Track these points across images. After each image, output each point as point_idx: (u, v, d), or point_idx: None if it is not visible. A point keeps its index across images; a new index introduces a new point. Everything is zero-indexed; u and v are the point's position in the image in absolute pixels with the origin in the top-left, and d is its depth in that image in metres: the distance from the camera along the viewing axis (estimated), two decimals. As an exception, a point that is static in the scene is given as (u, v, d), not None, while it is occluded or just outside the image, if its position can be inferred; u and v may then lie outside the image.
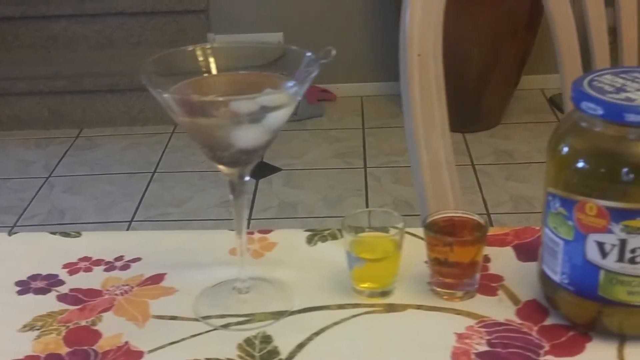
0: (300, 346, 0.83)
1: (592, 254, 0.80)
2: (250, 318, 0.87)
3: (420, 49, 1.04)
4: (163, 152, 3.43)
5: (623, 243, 0.78)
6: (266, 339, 0.83)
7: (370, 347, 0.83)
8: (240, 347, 0.82)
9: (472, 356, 0.81)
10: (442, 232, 0.89)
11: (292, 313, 0.88)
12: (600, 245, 0.79)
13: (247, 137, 0.79)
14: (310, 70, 0.80)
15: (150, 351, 0.81)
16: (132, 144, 3.53)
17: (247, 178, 0.84)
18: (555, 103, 3.69)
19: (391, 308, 0.88)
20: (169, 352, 0.81)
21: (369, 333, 0.85)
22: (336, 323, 0.86)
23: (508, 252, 0.98)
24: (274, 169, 3.28)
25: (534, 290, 0.89)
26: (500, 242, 1.00)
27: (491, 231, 1.02)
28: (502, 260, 0.96)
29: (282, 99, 0.79)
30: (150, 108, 3.56)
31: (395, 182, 3.12)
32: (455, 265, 0.88)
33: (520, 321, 0.86)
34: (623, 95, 0.78)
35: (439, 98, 1.06)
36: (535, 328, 0.85)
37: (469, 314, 0.87)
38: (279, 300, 0.89)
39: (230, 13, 3.80)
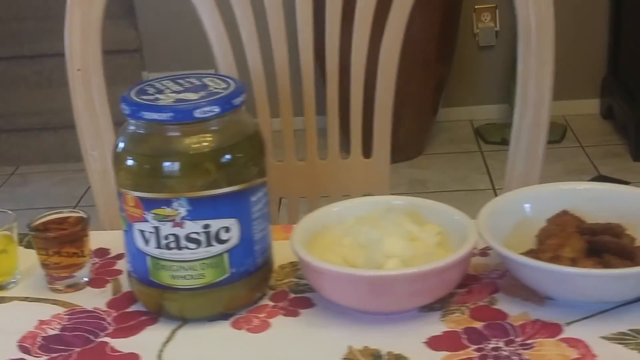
0: None
1: (139, 241, 0.87)
2: None
3: (81, 64, 1.14)
4: (89, 186, 3.52)
5: (157, 230, 0.85)
6: None
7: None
8: None
9: (39, 339, 0.88)
10: (48, 230, 0.97)
11: None
12: (142, 233, 0.86)
13: None
14: None
15: None
16: (63, 179, 3.63)
17: None
18: (480, 133, 3.74)
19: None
20: None
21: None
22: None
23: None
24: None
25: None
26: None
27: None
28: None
29: None
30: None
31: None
32: (60, 259, 0.96)
33: (105, 309, 0.93)
34: (157, 96, 0.86)
35: (102, 110, 1.16)
36: (116, 314, 0.92)
37: (64, 304, 0.94)
38: None
39: (163, 51, 3.91)
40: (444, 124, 3.75)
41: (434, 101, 3.52)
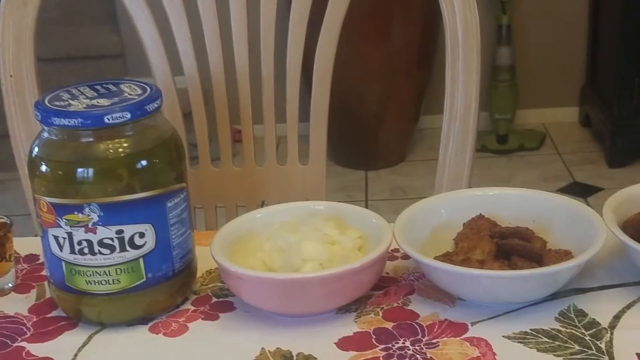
0: None
1: (54, 247, 0.88)
2: None
3: (13, 70, 1.16)
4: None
5: (70, 236, 0.86)
6: None
7: None
8: None
9: (-43, 344, 0.89)
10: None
11: None
12: (56, 239, 0.87)
13: None
14: None
15: None
16: (43, 190, 3.64)
17: None
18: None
19: None
20: None
21: None
22: None
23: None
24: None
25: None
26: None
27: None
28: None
29: None
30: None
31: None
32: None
33: (26, 314, 0.94)
34: (70, 102, 0.87)
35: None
36: (36, 319, 0.92)
37: (-8, 309, 0.95)
38: None
39: (146, 57, 3.92)
40: (425, 131, 3.75)
41: (416, 108, 3.53)
